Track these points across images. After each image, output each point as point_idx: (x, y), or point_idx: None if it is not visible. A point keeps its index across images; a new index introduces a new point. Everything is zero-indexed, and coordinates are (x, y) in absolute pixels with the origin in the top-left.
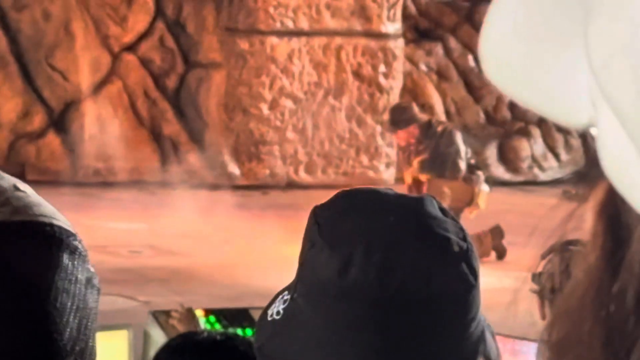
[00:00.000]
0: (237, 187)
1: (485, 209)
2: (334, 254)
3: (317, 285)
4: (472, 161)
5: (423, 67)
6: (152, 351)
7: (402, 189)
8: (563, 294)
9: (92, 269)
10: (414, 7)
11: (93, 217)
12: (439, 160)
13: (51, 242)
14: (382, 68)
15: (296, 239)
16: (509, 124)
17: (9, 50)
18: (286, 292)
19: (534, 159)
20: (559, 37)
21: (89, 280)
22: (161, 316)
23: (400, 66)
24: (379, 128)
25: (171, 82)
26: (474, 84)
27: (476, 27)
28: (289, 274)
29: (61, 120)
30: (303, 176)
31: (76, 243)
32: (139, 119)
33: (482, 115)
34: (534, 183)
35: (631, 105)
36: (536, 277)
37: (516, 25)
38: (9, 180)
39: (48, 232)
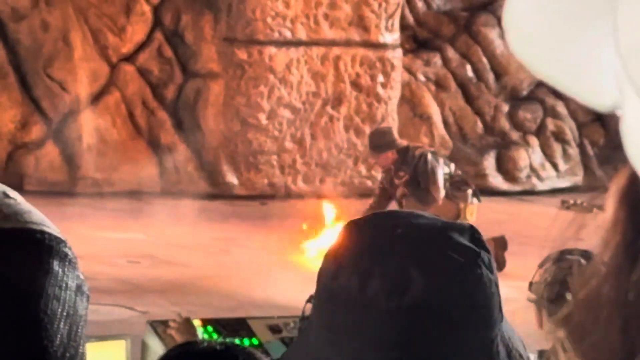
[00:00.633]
0: (235, 197)
1: (484, 219)
2: (348, 269)
3: (325, 298)
4: (459, 173)
5: (421, 77)
6: None
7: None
8: (583, 279)
9: (81, 276)
10: (412, 17)
11: (91, 227)
12: (418, 187)
13: (41, 249)
14: (380, 78)
15: (294, 249)
16: (507, 134)
17: (8, 61)
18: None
19: (532, 168)
20: (585, 12)
21: (79, 287)
22: (159, 326)
23: (398, 76)
24: None
25: (169, 92)
26: (472, 94)
27: (474, 37)
28: (288, 285)
29: (60, 130)
30: (301, 186)
31: (66, 250)
32: (137, 129)
33: (480, 125)
34: (532, 193)
35: None
36: (533, 286)
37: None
38: None
39: (38, 239)
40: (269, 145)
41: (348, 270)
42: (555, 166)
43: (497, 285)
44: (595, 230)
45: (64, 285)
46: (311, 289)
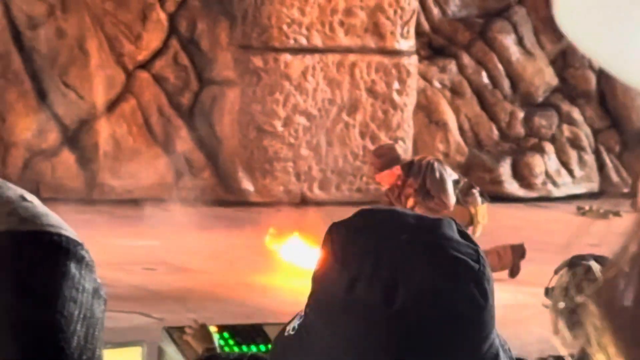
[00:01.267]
0: (251, 204)
1: (500, 224)
2: (343, 270)
3: (326, 301)
4: (465, 180)
5: (437, 84)
6: None
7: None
8: (613, 260)
9: (98, 280)
10: (427, 24)
11: (107, 234)
12: (428, 196)
13: (59, 252)
14: (395, 85)
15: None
16: (522, 140)
17: (24, 68)
18: (303, 310)
19: (547, 175)
20: None
21: (96, 291)
22: (175, 332)
23: (414, 83)
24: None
25: (185, 100)
26: (488, 101)
27: (490, 43)
28: (303, 292)
29: (76, 137)
30: (317, 193)
31: (83, 253)
32: (153, 136)
33: (495, 132)
34: (547, 199)
35: None
36: (549, 292)
37: None
38: (16, 191)
39: (55, 242)
40: (284, 152)
41: (366, 282)
42: (570, 172)
43: (487, 295)
44: (611, 235)
45: (80, 287)
46: None
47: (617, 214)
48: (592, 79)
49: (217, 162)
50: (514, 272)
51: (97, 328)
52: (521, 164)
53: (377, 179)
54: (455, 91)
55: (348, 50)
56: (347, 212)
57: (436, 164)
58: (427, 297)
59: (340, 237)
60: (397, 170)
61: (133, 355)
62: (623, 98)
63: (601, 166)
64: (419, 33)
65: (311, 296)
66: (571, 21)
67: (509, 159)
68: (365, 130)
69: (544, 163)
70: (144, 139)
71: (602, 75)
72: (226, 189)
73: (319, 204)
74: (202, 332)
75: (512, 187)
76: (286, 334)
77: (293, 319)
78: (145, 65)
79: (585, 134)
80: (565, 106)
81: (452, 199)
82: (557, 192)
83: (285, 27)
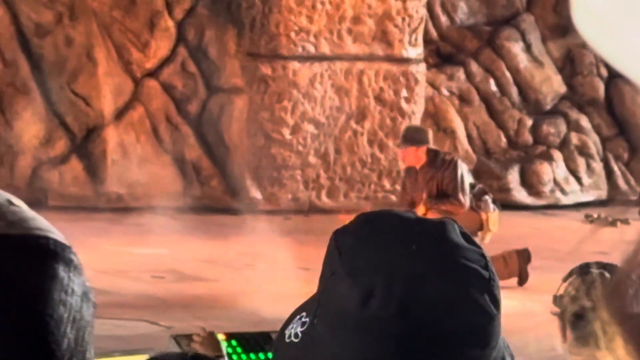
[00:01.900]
0: (259, 212)
1: (508, 233)
2: (355, 284)
3: (337, 315)
4: (479, 186)
5: (445, 92)
6: None
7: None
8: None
9: (87, 283)
10: (435, 32)
11: (115, 242)
12: (440, 199)
13: (47, 255)
14: (404, 92)
15: (318, 265)
16: (530, 148)
17: (32, 76)
18: (304, 314)
19: (556, 182)
20: None
21: (85, 294)
22: (183, 340)
23: (422, 91)
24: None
25: (193, 108)
26: (496, 108)
27: (498, 51)
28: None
29: (84, 145)
30: (325, 201)
31: (71, 256)
32: (161, 144)
33: (504, 140)
34: (556, 207)
35: None
36: (557, 300)
37: None
38: (3, 195)
39: (44, 245)
40: (292, 160)
41: (380, 297)
42: (579, 180)
43: (498, 303)
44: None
45: (70, 290)
46: None
47: (625, 221)
48: (601, 86)
49: (225, 170)
50: (522, 279)
51: (87, 331)
52: (529, 171)
53: (400, 153)
54: (463, 99)
55: (356, 58)
56: None
57: (459, 162)
58: (441, 311)
59: (347, 248)
60: (421, 152)
61: None
62: (631, 106)
63: (609, 174)
64: (426, 41)
65: (319, 306)
66: (589, 23)
67: (517, 167)
68: (373, 138)
69: (552, 171)
70: (152, 147)
71: (610, 83)
72: (234, 197)
73: (327, 211)
74: (210, 339)
75: (520, 195)
76: (287, 340)
77: (291, 321)
78: (153, 73)
79: (593, 142)
80: (574, 114)
81: (467, 200)
82: (565, 200)
83: (293, 34)
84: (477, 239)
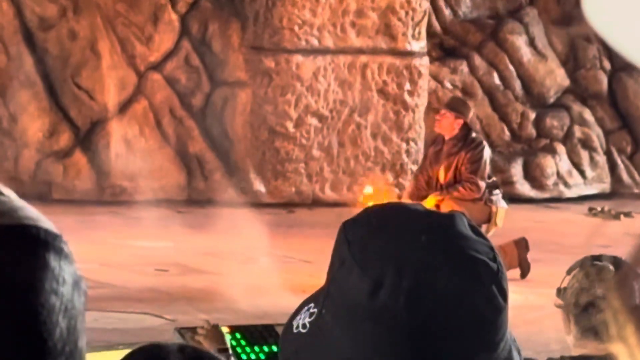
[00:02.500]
0: (262, 205)
1: (511, 225)
2: (364, 275)
3: (346, 306)
4: (494, 179)
5: (448, 85)
6: None
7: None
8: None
9: (78, 272)
10: (438, 25)
11: (119, 235)
12: (453, 186)
13: (37, 244)
14: (407, 86)
15: (322, 258)
16: (534, 141)
17: (36, 70)
18: (312, 305)
19: (559, 176)
20: None
21: (76, 283)
22: (187, 333)
23: (425, 84)
24: (404, 145)
25: (197, 101)
26: (499, 102)
27: (501, 44)
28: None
29: (87, 139)
30: (329, 194)
31: (62, 245)
32: (165, 138)
33: (507, 133)
34: (559, 200)
35: None
36: (561, 293)
37: None
38: None
39: (34, 235)
40: (296, 153)
41: (390, 288)
42: (582, 173)
43: (505, 295)
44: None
45: (61, 279)
46: None
47: (628, 214)
48: (604, 79)
49: (228, 163)
50: (524, 269)
51: (79, 320)
52: (532, 165)
53: (438, 117)
54: (466, 92)
55: (359, 51)
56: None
57: (487, 148)
58: (451, 302)
59: (357, 238)
60: (457, 123)
61: None
62: (634, 99)
63: (613, 167)
64: (430, 34)
65: (327, 297)
66: (600, 13)
67: (520, 160)
68: (376, 131)
69: (556, 164)
70: (155, 140)
71: (614, 76)
72: (238, 190)
73: (330, 205)
74: (214, 332)
75: (523, 188)
76: (295, 330)
77: (299, 312)
78: (156, 67)
79: (596, 135)
80: (577, 107)
81: (483, 185)
82: (568, 193)
83: (296, 28)
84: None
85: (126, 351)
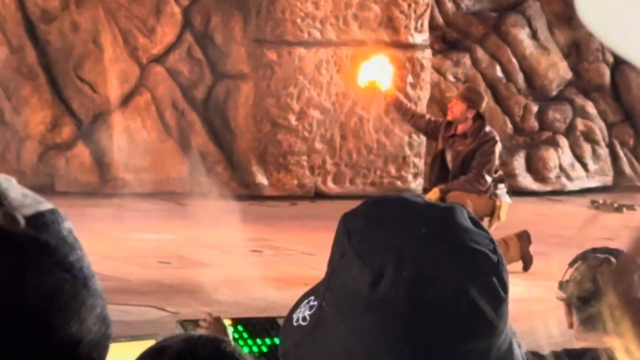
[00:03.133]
0: (265, 198)
1: (513, 219)
2: (365, 266)
3: (346, 297)
4: (500, 172)
5: (450, 78)
6: None
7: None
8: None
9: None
10: (441, 18)
11: (122, 228)
12: (469, 162)
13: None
14: (409, 78)
15: (324, 251)
16: (536, 134)
17: (38, 62)
18: (312, 298)
19: (561, 168)
20: None
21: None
22: (189, 325)
23: (427, 77)
24: (406, 138)
25: (199, 94)
26: (502, 94)
27: (503, 37)
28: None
29: (90, 131)
30: (331, 186)
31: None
32: (168, 130)
33: (509, 126)
34: (561, 193)
35: None
36: (563, 286)
37: None
38: None
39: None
40: (298, 145)
41: (390, 279)
42: (584, 166)
43: (506, 286)
44: (625, 229)
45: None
46: None
47: (631, 207)
48: (606, 72)
49: (231, 156)
50: (526, 262)
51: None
52: (535, 157)
53: (451, 105)
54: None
55: (362, 43)
56: None
57: (499, 144)
58: (451, 293)
59: (357, 230)
60: (470, 113)
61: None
62: (637, 91)
63: (615, 160)
64: (432, 27)
65: (328, 289)
66: (592, 11)
67: (522, 153)
68: (379, 124)
69: (558, 157)
70: (158, 133)
71: (616, 69)
72: (240, 183)
73: (332, 197)
74: (216, 325)
75: (526, 180)
76: (295, 323)
77: (298, 306)
78: (159, 59)
79: (599, 128)
80: (579, 100)
81: (489, 180)
82: (571, 186)
83: (299, 20)
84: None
85: (128, 344)
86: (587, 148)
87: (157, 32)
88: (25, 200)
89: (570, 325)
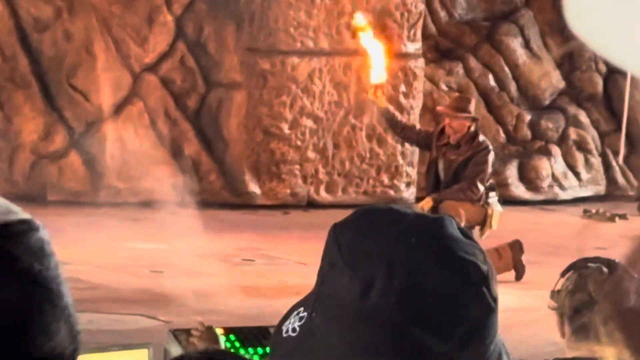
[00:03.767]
0: (257, 207)
1: (505, 228)
2: (355, 276)
3: (336, 306)
4: (491, 181)
5: (443, 87)
6: None
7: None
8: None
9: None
10: (434, 27)
11: (114, 237)
12: (463, 171)
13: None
14: (402, 88)
15: (317, 260)
16: (529, 143)
17: (31, 71)
18: (302, 309)
19: (554, 177)
20: None
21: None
22: (181, 334)
23: (420, 86)
24: (399, 147)
25: (192, 102)
26: (495, 103)
27: (496, 46)
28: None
29: (82, 140)
30: (324, 195)
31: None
32: (160, 139)
33: (502, 135)
34: (554, 202)
35: None
36: (555, 295)
37: None
38: None
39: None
40: (291, 154)
41: (380, 288)
42: (577, 175)
43: (495, 297)
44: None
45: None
46: None
47: (623, 217)
48: (599, 81)
49: (223, 165)
50: (519, 272)
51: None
52: (528, 166)
53: (448, 120)
54: (461, 94)
55: (355, 53)
56: None
57: (492, 153)
58: (441, 302)
59: (346, 241)
60: (468, 121)
61: (139, 357)
62: (630, 101)
63: (608, 169)
64: (425, 36)
65: (317, 299)
66: (581, 20)
67: (515, 162)
68: (372, 133)
69: (551, 166)
70: (150, 142)
71: (609, 78)
72: (233, 192)
73: (325, 206)
74: (208, 334)
75: (518, 190)
76: (285, 334)
77: (287, 317)
78: (152, 68)
79: (591, 137)
80: (572, 109)
81: (482, 189)
82: (563, 195)
83: (292, 29)
84: (474, 233)
85: (120, 353)
86: (579, 157)
87: (150, 40)
88: None
89: (563, 335)
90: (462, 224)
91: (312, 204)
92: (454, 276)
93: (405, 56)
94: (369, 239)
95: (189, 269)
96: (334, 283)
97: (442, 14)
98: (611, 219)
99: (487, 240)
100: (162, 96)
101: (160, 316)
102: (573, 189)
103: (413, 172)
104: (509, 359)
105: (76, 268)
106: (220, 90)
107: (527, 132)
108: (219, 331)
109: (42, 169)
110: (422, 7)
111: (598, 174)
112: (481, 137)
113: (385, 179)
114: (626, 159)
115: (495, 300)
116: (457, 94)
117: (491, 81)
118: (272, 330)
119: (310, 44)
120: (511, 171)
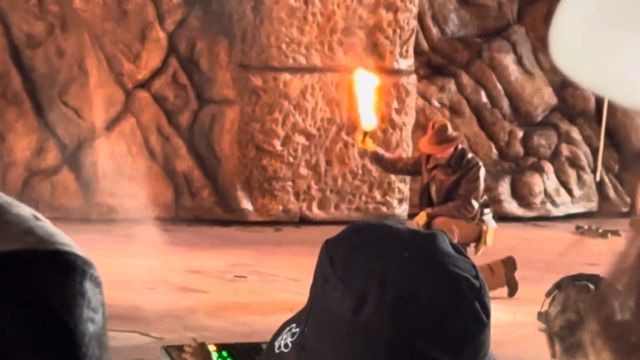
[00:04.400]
0: (250, 223)
1: (498, 244)
2: (348, 291)
3: (329, 322)
4: (484, 197)
5: (436, 103)
6: None
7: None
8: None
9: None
10: (426, 43)
11: (107, 253)
12: (455, 190)
13: (75, 271)
14: (394, 104)
15: (309, 276)
16: (521, 159)
17: (23, 88)
18: (294, 325)
19: (546, 194)
20: (630, 24)
21: (104, 312)
22: (174, 351)
23: (413, 102)
24: None
25: (184, 119)
26: (487, 120)
27: (489, 63)
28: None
29: (75, 157)
30: (316, 212)
31: (95, 272)
32: (153, 156)
33: (494, 151)
34: (546, 218)
35: None
36: (542, 316)
37: (589, 14)
38: (27, 209)
39: (71, 261)
40: (283, 171)
41: (373, 303)
42: (569, 192)
43: (488, 311)
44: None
45: (96, 307)
46: None
47: (615, 233)
48: (591, 98)
49: (216, 181)
50: (512, 288)
51: (107, 349)
52: (520, 183)
53: (435, 152)
54: (454, 110)
55: (347, 69)
56: None
57: (483, 169)
58: (435, 317)
59: (339, 256)
60: (451, 147)
61: None
62: (622, 117)
63: (600, 185)
64: (418, 52)
65: (310, 315)
66: (570, 61)
67: (507, 178)
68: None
69: (543, 182)
70: (143, 158)
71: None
72: (225, 208)
73: (317, 223)
74: (201, 350)
75: (511, 206)
76: (277, 350)
77: (280, 333)
78: (144, 85)
79: (584, 153)
80: (564, 125)
81: (476, 206)
82: (556, 212)
83: (284, 46)
84: (469, 250)
85: None
86: (572, 174)
87: (143, 57)
88: None
89: (553, 355)
90: (455, 241)
91: (304, 221)
92: (447, 291)
93: (397, 72)
94: (361, 255)
95: (181, 285)
96: (326, 298)
97: (435, 30)
98: (603, 235)
99: (480, 256)
100: (155, 112)
101: (153, 333)
102: (565, 205)
103: (405, 189)
104: None
105: None
106: (212, 107)
107: (519, 149)
108: (212, 348)
109: (34, 185)
110: (414, 23)
111: (590, 190)
112: (470, 155)
113: (377, 195)
114: (618, 176)
115: (487, 315)
116: (431, 130)
117: (483, 97)
118: (264, 347)
119: (303, 60)
120: (504, 187)
